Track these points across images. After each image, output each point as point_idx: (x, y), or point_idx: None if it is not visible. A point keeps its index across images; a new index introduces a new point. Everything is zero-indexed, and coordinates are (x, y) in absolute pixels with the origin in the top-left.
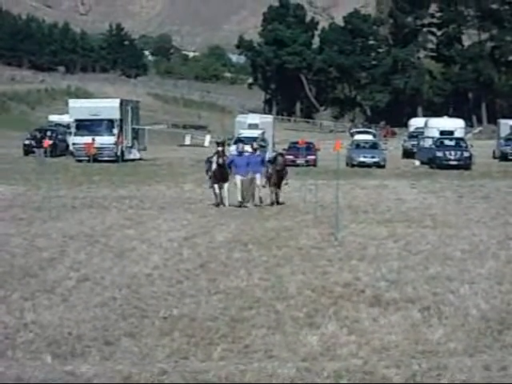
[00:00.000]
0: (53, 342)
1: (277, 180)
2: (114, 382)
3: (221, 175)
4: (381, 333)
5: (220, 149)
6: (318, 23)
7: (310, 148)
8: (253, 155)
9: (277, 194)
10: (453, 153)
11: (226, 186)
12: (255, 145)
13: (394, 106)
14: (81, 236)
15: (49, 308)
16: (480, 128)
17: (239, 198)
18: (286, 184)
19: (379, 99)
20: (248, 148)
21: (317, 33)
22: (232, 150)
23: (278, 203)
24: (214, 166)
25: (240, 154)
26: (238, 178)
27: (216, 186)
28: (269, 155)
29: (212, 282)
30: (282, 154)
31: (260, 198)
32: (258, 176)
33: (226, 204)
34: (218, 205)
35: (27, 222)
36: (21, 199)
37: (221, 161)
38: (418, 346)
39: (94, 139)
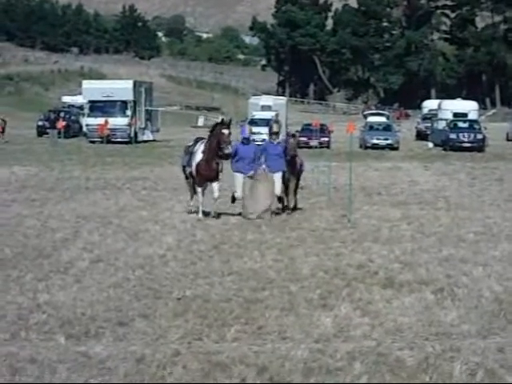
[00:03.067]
0: (66, 323)
1: (288, 172)
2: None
3: (210, 171)
4: (394, 314)
5: (226, 132)
6: (331, 5)
7: (323, 130)
8: (272, 143)
9: (288, 194)
10: (466, 135)
11: (215, 186)
12: (275, 127)
13: (408, 88)
14: (94, 217)
15: (62, 289)
16: (493, 110)
17: (247, 211)
18: (301, 188)
19: (393, 81)
20: (258, 130)
21: (330, 14)
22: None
23: (294, 208)
24: (199, 157)
25: (246, 141)
26: (239, 178)
27: (200, 189)
28: (282, 137)
29: (225, 264)
30: (294, 136)
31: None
32: (277, 176)
33: (212, 212)
34: (206, 214)
35: (40, 203)
36: (34, 180)
37: (229, 149)
38: (432, 327)
39: (107, 120)
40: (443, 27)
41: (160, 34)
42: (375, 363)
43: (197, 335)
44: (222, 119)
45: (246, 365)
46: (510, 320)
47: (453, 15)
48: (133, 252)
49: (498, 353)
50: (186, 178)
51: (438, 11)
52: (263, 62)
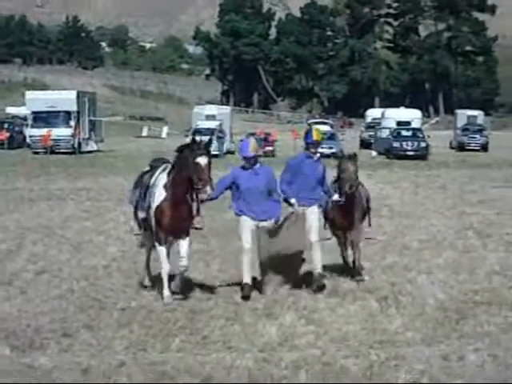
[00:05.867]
0: (11, 334)
1: (347, 217)
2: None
3: (177, 220)
4: (339, 323)
5: (203, 162)
6: (274, 14)
7: (267, 139)
8: (310, 159)
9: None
10: (410, 143)
11: (184, 246)
12: (315, 135)
13: (351, 96)
14: (38, 228)
15: (7, 300)
16: (437, 118)
17: (245, 278)
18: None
19: (336, 90)
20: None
21: (274, 23)
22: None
23: (356, 275)
24: (161, 196)
25: (250, 163)
26: (245, 224)
27: (163, 249)
28: (227, 146)
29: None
30: (355, 155)
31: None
32: (313, 212)
33: (174, 290)
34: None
35: None
36: None
37: (206, 193)
38: (376, 335)
39: (50, 131)
40: (386, 36)
41: (103, 44)
42: (320, 372)
43: (142, 346)
44: (193, 138)
45: (191, 375)
46: (454, 328)
47: (396, 24)
48: (77, 263)
49: (443, 360)
50: (140, 227)
51: (381, 20)
52: (207, 71)
